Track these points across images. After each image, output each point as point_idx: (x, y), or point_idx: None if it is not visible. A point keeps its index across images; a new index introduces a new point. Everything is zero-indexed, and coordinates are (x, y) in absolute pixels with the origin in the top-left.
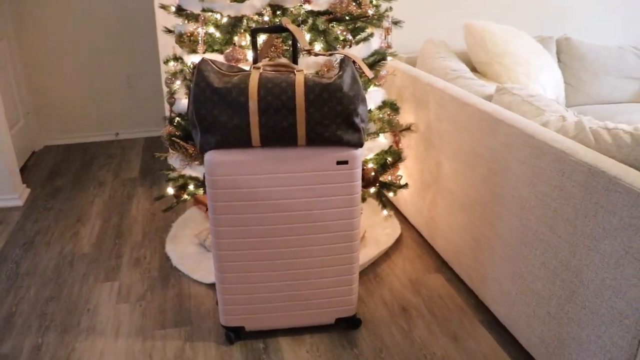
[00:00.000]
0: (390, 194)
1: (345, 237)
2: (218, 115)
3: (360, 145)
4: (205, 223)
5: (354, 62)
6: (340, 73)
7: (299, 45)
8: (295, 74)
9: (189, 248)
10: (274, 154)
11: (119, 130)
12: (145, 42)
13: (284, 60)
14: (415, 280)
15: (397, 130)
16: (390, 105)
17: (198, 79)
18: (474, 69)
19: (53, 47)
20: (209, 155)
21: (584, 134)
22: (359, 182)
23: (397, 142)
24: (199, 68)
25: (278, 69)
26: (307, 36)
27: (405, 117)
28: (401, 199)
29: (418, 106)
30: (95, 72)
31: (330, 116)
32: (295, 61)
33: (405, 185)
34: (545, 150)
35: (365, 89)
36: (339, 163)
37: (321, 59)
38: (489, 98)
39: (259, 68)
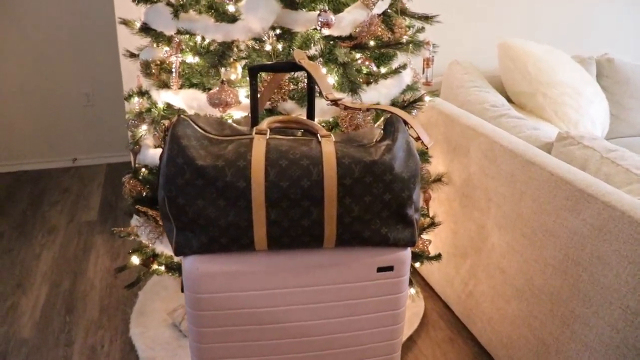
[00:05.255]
0: (417, 264)
1: None
2: (204, 208)
3: (412, 244)
4: (181, 294)
5: (405, 122)
6: (388, 143)
7: (316, 88)
8: (320, 142)
9: (160, 331)
10: (287, 262)
11: (76, 156)
12: (107, 55)
13: (295, 115)
14: None
15: (427, 186)
16: (421, 155)
17: (173, 150)
18: (507, 99)
19: None
20: (190, 263)
21: None
22: (406, 293)
23: (427, 201)
24: (173, 133)
25: (289, 127)
26: (323, 70)
27: (433, 164)
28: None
29: (452, 152)
30: (48, 88)
31: (375, 209)
32: (311, 113)
33: (438, 257)
34: None
35: None
36: (380, 270)
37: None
38: (547, 147)
39: (263, 132)
